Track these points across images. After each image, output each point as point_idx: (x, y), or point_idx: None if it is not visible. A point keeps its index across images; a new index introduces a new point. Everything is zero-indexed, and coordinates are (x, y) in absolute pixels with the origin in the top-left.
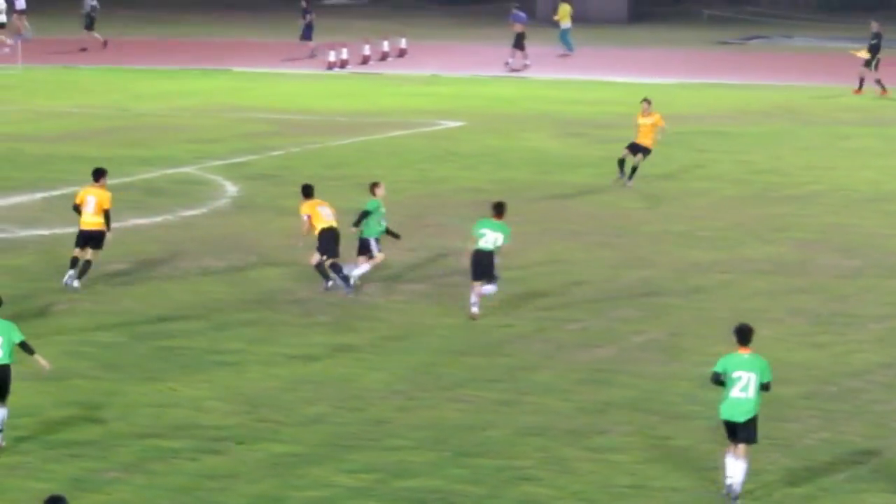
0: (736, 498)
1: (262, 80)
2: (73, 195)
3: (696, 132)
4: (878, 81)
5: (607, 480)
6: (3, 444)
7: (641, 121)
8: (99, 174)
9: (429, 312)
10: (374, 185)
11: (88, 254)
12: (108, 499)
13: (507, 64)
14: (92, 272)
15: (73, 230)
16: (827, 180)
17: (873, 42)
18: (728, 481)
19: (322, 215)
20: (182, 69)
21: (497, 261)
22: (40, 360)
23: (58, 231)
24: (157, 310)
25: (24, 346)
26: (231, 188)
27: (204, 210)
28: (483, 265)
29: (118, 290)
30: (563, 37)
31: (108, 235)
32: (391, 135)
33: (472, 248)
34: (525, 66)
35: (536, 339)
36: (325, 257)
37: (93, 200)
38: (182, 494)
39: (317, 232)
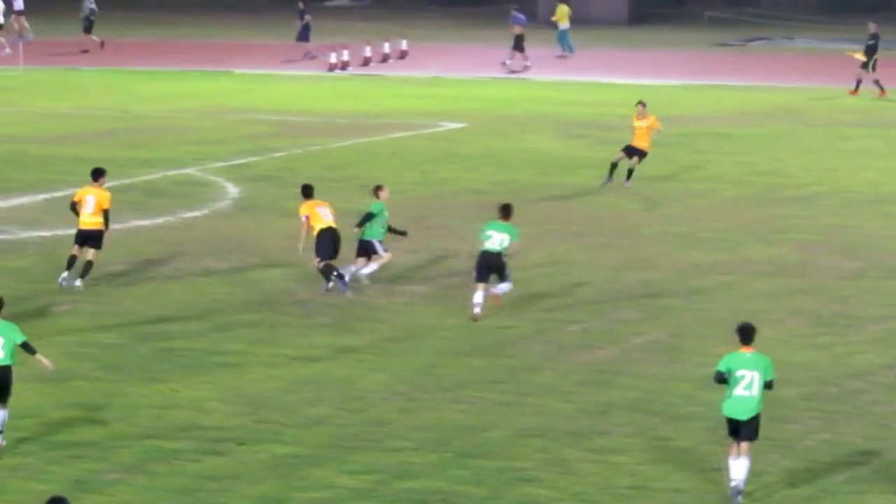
0: (739, 493)
1: (263, 81)
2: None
3: (696, 133)
4: (877, 82)
5: (608, 482)
6: (4, 443)
7: (637, 123)
8: (98, 174)
9: (430, 314)
10: (377, 188)
11: (89, 254)
12: (110, 500)
13: (504, 65)
14: (93, 273)
15: (74, 231)
16: (828, 182)
17: (870, 43)
18: (732, 483)
19: (321, 216)
20: (183, 71)
21: (506, 260)
22: (43, 359)
23: (59, 232)
24: (158, 311)
25: (27, 347)
26: (232, 189)
27: (205, 211)
28: (490, 266)
29: (119, 292)
30: (562, 37)
31: (106, 235)
32: (392, 136)
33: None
34: (526, 68)
35: (537, 341)
36: (318, 259)
37: (92, 200)
38: (183, 495)
39: (315, 233)
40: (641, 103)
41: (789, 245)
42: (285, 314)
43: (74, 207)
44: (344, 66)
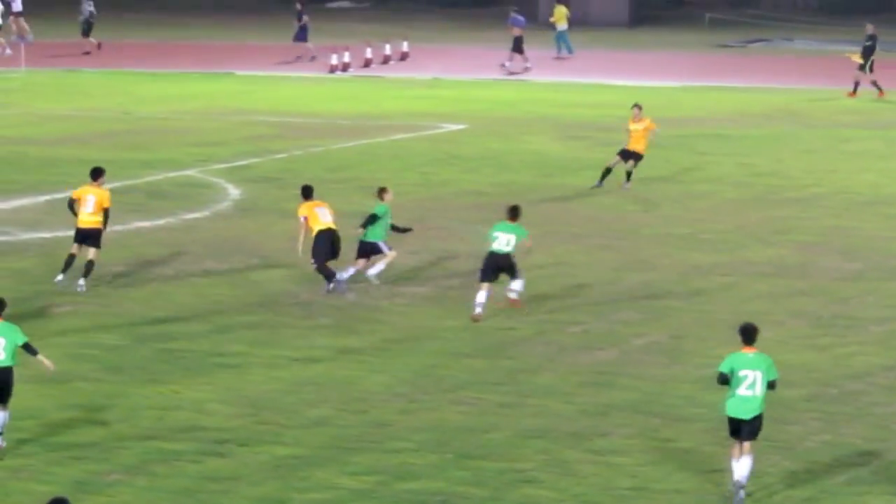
0: (741, 487)
1: (264, 83)
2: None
3: (697, 135)
4: (874, 83)
5: (609, 483)
6: (4, 445)
7: (632, 126)
8: (97, 173)
9: (431, 315)
10: (381, 191)
11: (90, 253)
12: (111, 501)
13: (503, 66)
14: (94, 274)
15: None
16: (828, 183)
17: (867, 44)
18: (735, 478)
19: (319, 217)
20: (184, 72)
21: (515, 260)
22: (44, 360)
23: (60, 234)
24: (159, 312)
25: (28, 348)
26: (233, 191)
27: (206, 213)
28: (498, 266)
29: (120, 293)
30: (561, 38)
31: (105, 234)
32: (393, 138)
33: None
34: (526, 69)
35: (538, 342)
36: (313, 261)
37: (92, 199)
38: (184, 497)
39: (314, 234)
40: (637, 106)
41: (790, 246)
42: (286, 315)
43: (72, 205)
44: (345, 67)
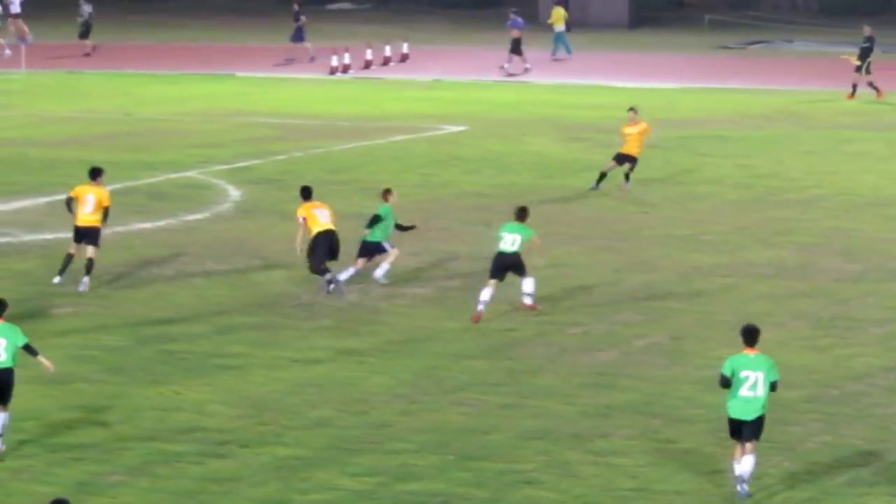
0: (743, 481)
1: (265, 84)
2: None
3: (697, 136)
4: (871, 84)
5: (610, 484)
6: (3, 448)
7: (628, 130)
8: (96, 173)
9: (431, 316)
10: (386, 192)
11: (88, 251)
12: (112, 502)
13: (502, 69)
14: (95, 275)
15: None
16: (828, 184)
17: (865, 46)
18: (737, 473)
19: (318, 218)
20: (185, 74)
21: (524, 259)
22: (44, 361)
23: (61, 235)
24: (160, 313)
25: (28, 349)
26: (234, 192)
27: (207, 214)
28: (505, 266)
29: (121, 294)
30: (559, 40)
31: (105, 234)
32: (394, 139)
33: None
34: (526, 70)
35: (539, 343)
36: (309, 263)
37: (92, 198)
38: (186, 498)
39: (312, 235)
40: (633, 109)
41: (790, 248)
42: (287, 317)
43: (69, 203)
44: (345, 69)
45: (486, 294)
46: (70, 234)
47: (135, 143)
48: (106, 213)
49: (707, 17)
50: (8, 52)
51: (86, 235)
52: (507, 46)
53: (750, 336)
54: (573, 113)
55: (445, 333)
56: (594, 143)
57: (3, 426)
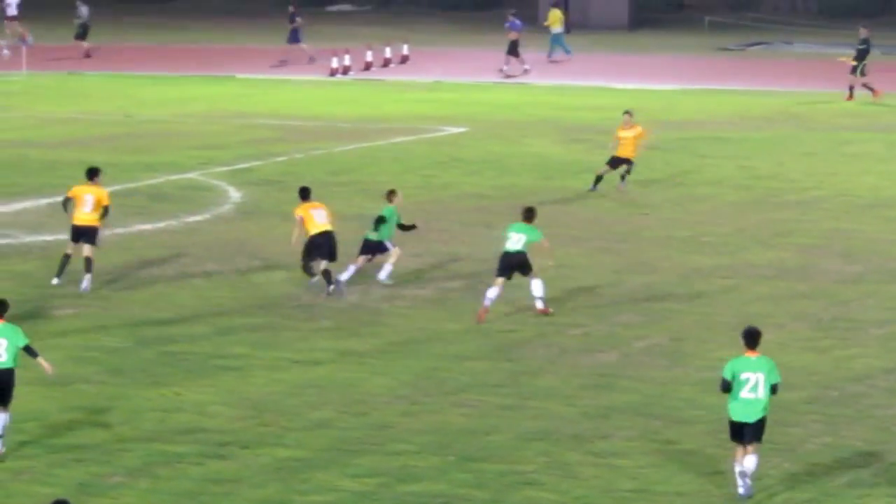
0: (746, 476)
1: (265, 86)
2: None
3: (697, 138)
4: (865, 85)
5: (610, 485)
6: (3, 449)
7: (623, 133)
8: (93, 173)
9: (432, 317)
10: (391, 193)
11: (85, 250)
12: (113, 503)
13: (501, 71)
14: (96, 276)
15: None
16: (828, 186)
17: (861, 48)
18: (738, 469)
19: (315, 218)
20: (185, 76)
21: (531, 259)
22: (43, 363)
23: (62, 237)
24: (161, 314)
25: (29, 350)
26: (235, 194)
27: (208, 215)
28: (511, 266)
29: (122, 295)
30: (555, 42)
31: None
32: (394, 141)
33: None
34: (525, 72)
35: (539, 344)
36: (303, 262)
37: (91, 198)
38: (187, 499)
39: (308, 235)
40: (628, 113)
41: (790, 249)
42: (288, 318)
43: (66, 204)
44: (345, 70)
45: (492, 292)
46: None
47: (135, 144)
48: (106, 211)
49: (707, 18)
50: (6, 52)
51: (84, 234)
52: (506, 48)
53: (751, 338)
54: (573, 114)
55: (446, 335)
56: (594, 145)
57: (4, 427)
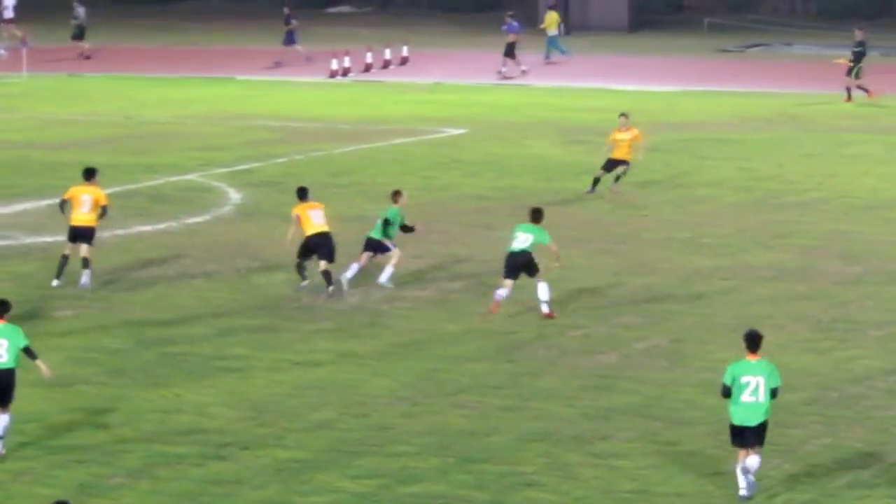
0: (748, 472)
1: (265, 87)
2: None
3: (697, 139)
4: (860, 87)
5: (610, 486)
6: (4, 451)
7: (619, 136)
8: (90, 173)
9: (433, 319)
10: (396, 193)
11: (83, 250)
12: None
13: (500, 73)
14: (96, 278)
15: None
16: (828, 187)
17: (856, 50)
18: (739, 466)
19: (312, 219)
20: (186, 77)
21: (536, 260)
22: (41, 366)
23: (63, 238)
24: (161, 316)
25: (28, 352)
26: (235, 195)
27: (208, 217)
28: (517, 266)
29: (123, 296)
30: (552, 44)
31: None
32: (395, 142)
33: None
34: (523, 73)
35: (539, 346)
36: (298, 260)
37: (89, 199)
38: (187, 500)
39: (305, 236)
40: (624, 115)
41: (790, 250)
42: (288, 319)
43: (63, 205)
44: (345, 72)
45: (502, 292)
46: None
47: (136, 146)
48: (104, 212)
49: (706, 20)
50: (3, 52)
51: (81, 235)
52: (504, 50)
53: (753, 342)
54: (573, 116)
55: (446, 336)
56: (594, 146)
57: (5, 428)
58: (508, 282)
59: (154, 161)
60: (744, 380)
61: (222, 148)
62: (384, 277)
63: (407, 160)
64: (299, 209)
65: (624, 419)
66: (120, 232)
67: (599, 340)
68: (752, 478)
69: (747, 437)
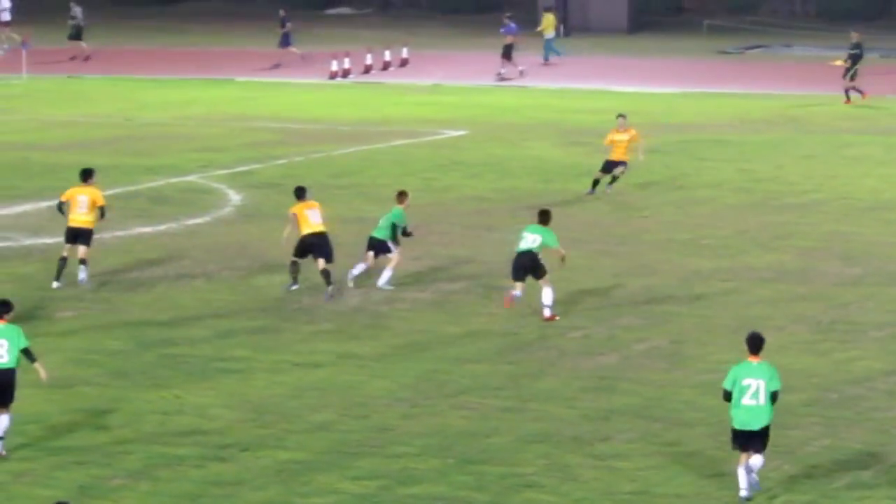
0: (751, 471)
1: (265, 89)
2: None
3: (697, 141)
4: (854, 88)
5: (610, 487)
6: (4, 453)
7: (617, 137)
8: (87, 174)
9: (433, 320)
10: (401, 194)
11: (80, 251)
12: None
13: (499, 75)
14: (96, 279)
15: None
16: (828, 189)
17: (853, 52)
18: (741, 466)
19: (310, 218)
20: (186, 79)
21: (543, 262)
22: (39, 369)
23: (63, 239)
24: (162, 317)
25: (27, 354)
26: (235, 197)
27: (208, 218)
28: (525, 267)
29: (123, 298)
30: (548, 46)
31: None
32: (395, 144)
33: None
34: (521, 73)
35: (539, 347)
36: (293, 258)
37: (85, 199)
38: (187, 501)
39: (300, 235)
40: (622, 116)
41: (790, 252)
42: (288, 320)
43: (61, 207)
44: (345, 73)
45: (517, 292)
46: None
47: (136, 147)
48: (102, 212)
49: (706, 21)
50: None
51: (79, 236)
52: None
53: (754, 344)
54: (573, 117)
55: (446, 337)
56: (594, 148)
57: (5, 429)
58: (519, 285)
59: (154, 162)
60: (745, 382)
61: (222, 149)
62: (383, 280)
63: (407, 162)
64: (297, 208)
65: (624, 420)
66: (120, 233)
67: (599, 342)
68: (755, 477)
69: (750, 441)
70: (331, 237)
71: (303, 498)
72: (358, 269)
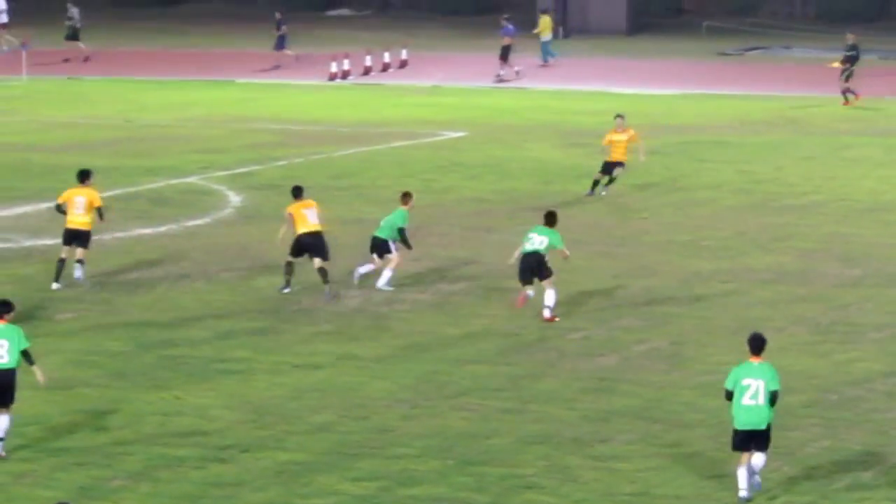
0: (754, 473)
1: (265, 90)
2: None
3: (697, 142)
4: (848, 89)
5: (610, 488)
6: (4, 454)
7: (616, 137)
8: (84, 175)
9: (433, 321)
10: (405, 196)
11: (78, 253)
12: None
13: (497, 76)
14: (96, 280)
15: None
16: (827, 190)
17: (850, 53)
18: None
19: (307, 218)
20: (186, 80)
21: (549, 263)
22: (38, 371)
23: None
24: (162, 318)
25: (26, 356)
26: (235, 198)
27: (208, 220)
28: (531, 268)
29: (123, 299)
30: (545, 48)
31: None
32: (394, 145)
33: (518, 253)
34: (517, 74)
35: (539, 348)
36: (290, 257)
37: (82, 201)
38: (188, 502)
39: (297, 235)
40: (620, 116)
41: (790, 253)
42: (288, 322)
43: (60, 208)
44: (344, 75)
45: (529, 292)
46: None
47: (136, 148)
48: (100, 213)
49: (705, 23)
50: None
51: (76, 238)
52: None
53: (756, 345)
54: (573, 119)
55: (446, 338)
56: (594, 149)
57: (5, 430)
58: (527, 287)
59: (154, 164)
60: (744, 382)
61: (222, 151)
62: (383, 281)
63: (407, 163)
64: (293, 207)
65: (624, 422)
66: (120, 234)
67: (599, 343)
68: (757, 478)
69: (753, 443)
70: (327, 237)
71: (303, 499)
72: (365, 268)
